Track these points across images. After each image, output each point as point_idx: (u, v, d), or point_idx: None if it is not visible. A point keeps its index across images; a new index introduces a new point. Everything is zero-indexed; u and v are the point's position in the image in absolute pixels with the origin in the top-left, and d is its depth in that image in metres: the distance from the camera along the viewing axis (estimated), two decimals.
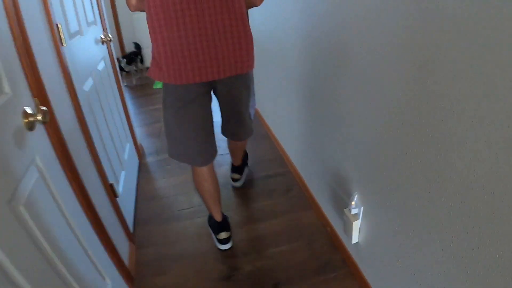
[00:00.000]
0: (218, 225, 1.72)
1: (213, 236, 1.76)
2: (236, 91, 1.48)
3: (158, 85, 1.42)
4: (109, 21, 2.93)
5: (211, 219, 1.79)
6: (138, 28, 4.27)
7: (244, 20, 1.33)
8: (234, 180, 2.19)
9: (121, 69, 3.93)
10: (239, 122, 1.62)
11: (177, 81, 1.31)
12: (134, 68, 4.20)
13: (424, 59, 0.83)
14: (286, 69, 2.01)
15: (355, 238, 1.39)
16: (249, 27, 1.36)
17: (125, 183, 1.91)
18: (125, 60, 4.01)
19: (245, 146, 2.00)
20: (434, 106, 0.82)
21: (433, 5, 0.76)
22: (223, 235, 1.70)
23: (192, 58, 1.28)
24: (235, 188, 2.18)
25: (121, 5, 4.24)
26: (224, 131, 1.71)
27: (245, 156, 2.24)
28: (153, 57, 1.35)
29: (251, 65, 1.42)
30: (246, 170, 2.26)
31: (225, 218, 1.76)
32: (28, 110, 0.84)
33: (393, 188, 1.07)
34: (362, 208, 1.31)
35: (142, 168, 2.44)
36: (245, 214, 1.95)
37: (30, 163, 0.85)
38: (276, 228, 1.80)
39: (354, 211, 1.34)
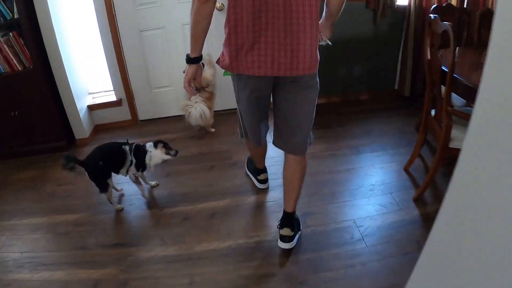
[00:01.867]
0: (260, 170, 2.25)
1: (253, 177, 2.31)
2: (294, 97, 1.54)
3: (229, 73, 1.61)
4: None
5: (251, 164, 2.31)
6: None
7: (317, 21, 1.40)
8: (283, 238, 1.76)
9: None
10: (293, 129, 1.63)
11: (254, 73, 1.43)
12: None
13: None
14: None
15: None
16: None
17: None
18: None
19: (303, 178, 1.75)
20: None
21: None
22: (263, 175, 2.24)
23: (272, 51, 1.38)
24: None
25: None
26: (275, 140, 1.73)
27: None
28: (227, 46, 1.43)
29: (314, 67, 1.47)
30: (298, 232, 1.86)
31: (265, 167, 2.25)
32: None
33: None
34: None
35: None
36: None
37: None
38: None
39: None
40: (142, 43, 2.90)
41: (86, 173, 2.04)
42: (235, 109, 1.79)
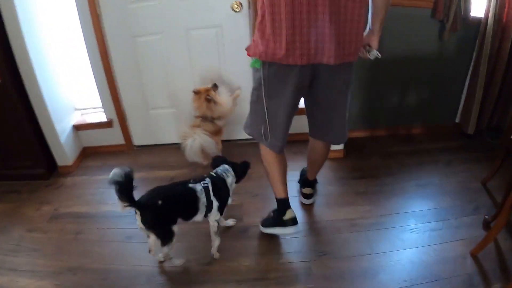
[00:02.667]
0: (284, 200, 1.69)
1: (276, 229, 1.72)
2: (339, 83, 1.47)
3: (257, 64, 1.36)
4: None
5: (275, 211, 1.74)
6: None
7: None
8: (305, 196, 1.99)
9: None
10: (336, 119, 1.58)
11: (289, 62, 1.32)
12: None
13: None
14: None
15: None
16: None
17: None
18: None
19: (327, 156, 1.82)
20: None
21: None
22: (289, 213, 1.67)
23: (309, 42, 1.29)
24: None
25: None
26: (314, 131, 1.69)
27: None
28: (261, 30, 1.33)
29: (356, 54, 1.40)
30: (317, 187, 2.05)
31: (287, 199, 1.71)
32: None
33: None
34: None
35: None
36: None
37: None
38: None
39: None
40: (136, 52, 2.24)
41: (139, 219, 1.46)
42: (248, 139, 1.64)
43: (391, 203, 2.02)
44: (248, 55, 1.43)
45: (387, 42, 2.07)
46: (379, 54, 1.46)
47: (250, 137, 1.66)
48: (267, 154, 1.64)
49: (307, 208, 2.00)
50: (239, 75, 2.30)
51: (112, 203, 2.09)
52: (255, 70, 1.45)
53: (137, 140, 2.60)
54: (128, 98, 2.42)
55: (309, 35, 1.27)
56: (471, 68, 2.41)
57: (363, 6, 1.30)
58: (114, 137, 2.54)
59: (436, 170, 2.29)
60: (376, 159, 2.39)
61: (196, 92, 2.15)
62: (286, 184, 1.71)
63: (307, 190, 1.98)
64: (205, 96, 2.12)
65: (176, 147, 2.53)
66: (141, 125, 2.53)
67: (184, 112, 2.42)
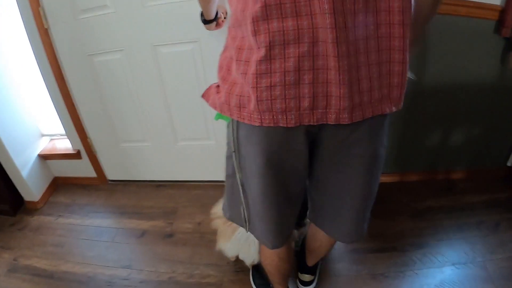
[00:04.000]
0: None
1: None
2: (359, 149, 0.82)
3: (224, 118, 0.88)
4: None
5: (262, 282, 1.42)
6: None
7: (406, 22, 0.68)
8: (304, 283, 1.45)
9: None
10: (345, 213, 0.95)
11: (264, 122, 0.74)
12: None
13: None
14: None
15: None
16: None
17: None
18: None
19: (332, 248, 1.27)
20: None
21: None
22: None
23: (297, 85, 0.69)
24: None
25: None
26: (315, 217, 1.06)
27: None
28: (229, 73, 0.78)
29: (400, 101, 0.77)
30: (319, 270, 1.50)
31: None
32: None
33: None
34: None
35: None
36: None
37: None
38: None
39: None
40: (94, 74, 1.72)
41: None
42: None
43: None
44: (208, 104, 0.89)
45: (429, 62, 1.59)
46: (414, 76, 0.89)
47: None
48: (264, 257, 1.19)
49: None
50: None
51: (72, 261, 1.68)
52: (227, 125, 0.88)
53: (111, 175, 2.11)
54: (94, 128, 1.92)
55: (301, 73, 0.69)
56: None
57: (407, 10, 0.68)
58: (85, 169, 2.07)
59: (479, 239, 1.70)
60: (403, 219, 1.81)
61: None
62: (287, 282, 1.32)
63: (306, 278, 1.45)
64: None
65: (154, 185, 2.08)
66: (113, 159, 2.03)
67: (160, 146, 1.92)
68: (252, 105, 0.72)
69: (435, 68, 1.65)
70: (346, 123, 0.72)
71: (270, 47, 0.67)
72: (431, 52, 1.62)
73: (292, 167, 0.85)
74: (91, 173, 2.09)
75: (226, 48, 0.83)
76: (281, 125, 0.73)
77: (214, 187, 2.00)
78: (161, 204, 1.94)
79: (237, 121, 0.80)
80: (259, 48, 0.68)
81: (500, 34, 1.54)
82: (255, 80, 0.70)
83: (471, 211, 1.86)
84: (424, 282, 1.51)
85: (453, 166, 2.03)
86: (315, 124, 0.73)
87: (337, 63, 0.66)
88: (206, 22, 1.27)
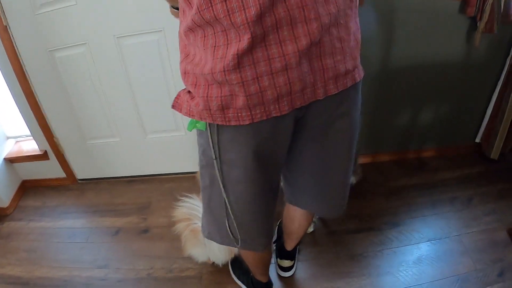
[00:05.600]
0: (266, 285, 1.29)
1: None
2: (341, 123, 0.79)
3: (199, 125, 0.75)
4: None
5: (244, 274, 1.36)
6: None
7: None
8: (283, 269, 1.40)
9: None
10: (329, 190, 0.92)
11: (256, 117, 0.66)
12: None
13: None
14: None
15: None
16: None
17: None
18: None
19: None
20: None
21: None
22: None
23: (285, 71, 0.63)
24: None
25: None
26: (297, 199, 1.01)
27: None
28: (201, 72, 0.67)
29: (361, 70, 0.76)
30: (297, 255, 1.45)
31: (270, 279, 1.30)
32: None
33: None
34: None
35: None
36: None
37: None
38: None
39: None
40: (56, 70, 1.59)
41: None
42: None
43: (397, 272, 1.44)
44: (181, 113, 0.78)
45: (396, 42, 1.58)
46: None
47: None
48: (246, 253, 1.11)
49: (286, 281, 1.45)
50: None
51: (47, 266, 1.57)
52: (199, 134, 0.80)
53: (80, 173, 1.98)
54: (60, 127, 1.79)
55: (287, 57, 0.63)
56: (502, 78, 1.76)
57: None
58: (53, 170, 1.94)
59: (453, 214, 1.70)
60: (378, 199, 1.79)
61: None
62: (268, 269, 1.26)
63: (285, 263, 1.40)
64: None
65: (126, 181, 1.97)
66: (81, 157, 1.91)
67: (129, 141, 1.82)
68: (241, 102, 0.65)
69: (402, 48, 1.63)
70: (334, 93, 0.70)
71: (252, 37, 0.60)
72: (398, 32, 1.58)
73: (276, 158, 0.80)
74: (59, 173, 1.96)
75: (187, 54, 0.74)
76: (273, 115, 0.68)
77: (187, 179, 1.92)
78: (134, 200, 1.83)
79: (217, 126, 0.72)
80: (240, 40, 0.61)
81: (465, 14, 1.53)
82: (239, 75, 0.63)
83: (444, 187, 1.86)
84: (402, 259, 1.49)
85: (423, 144, 2.03)
86: (305, 104, 0.69)
87: (315, 39, 0.63)
88: (174, 8, 1.18)
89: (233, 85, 0.64)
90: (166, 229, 1.65)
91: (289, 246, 1.35)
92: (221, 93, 0.66)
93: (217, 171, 0.78)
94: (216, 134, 0.74)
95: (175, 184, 1.91)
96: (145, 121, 1.75)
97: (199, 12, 0.62)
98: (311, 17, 0.61)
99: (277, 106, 0.67)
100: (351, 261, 1.48)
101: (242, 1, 0.58)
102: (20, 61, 1.57)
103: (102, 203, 1.85)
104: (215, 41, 0.64)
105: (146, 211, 1.76)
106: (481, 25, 1.51)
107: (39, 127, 1.76)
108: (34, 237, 1.72)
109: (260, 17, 0.59)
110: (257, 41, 0.61)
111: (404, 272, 1.43)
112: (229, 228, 0.87)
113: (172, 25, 1.42)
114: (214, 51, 0.65)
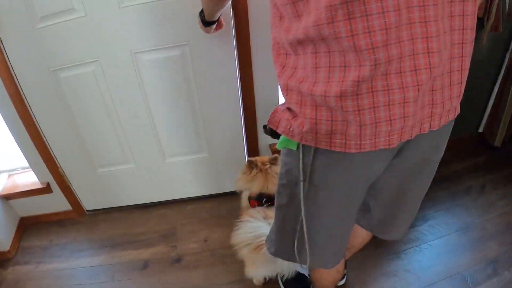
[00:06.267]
0: None
1: None
2: (432, 156, 0.79)
3: (291, 144, 0.69)
4: None
5: None
6: None
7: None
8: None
9: None
10: (407, 214, 0.91)
11: (364, 148, 0.62)
12: None
13: None
14: None
15: None
16: None
17: None
18: None
19: None
20: None
21: None
22: None
23: (402, 104, 0.58)
24: None
25: None
26: (364, 221, 0.97)
27: None
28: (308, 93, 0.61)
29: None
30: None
31: None
32: None
33: None
34: None
35: None
36: None
37: None
38: None
39: None
40: (62, 91, 1.39)
41: None
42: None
43: (438, 264, 1.47)
44: (277, 131, 0.71)
45: None
46: None
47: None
48: (318, 272, 1.07)
49: None
50: (224, 112, 1.55)
51: None
52: (287, 153, 0.75)
53: (89, 204, 1.78)
54: (66, 156, 1.59)
55: (406, 90, 0.58)
56: (502, 72, 1.84)
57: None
58: (57, 203, 1.73)
59: (472, 203, 1.77)
60: None
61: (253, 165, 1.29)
62: None
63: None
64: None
65: (142, 208, 1.81)
66: (90, 187, 1.71)
67: (145, 166, 1.65)
68: (352, 130, 0.60)
69: None
70: (435, 129, 0.67)
71: (375, 64, 0.54)
72: None
73: (367, 184, 0.78)
74: (65, 206, 1.75)
75: (283, 65, 0.66)
76: (381, 147, 0.63)
77: (208, 199, 1.79)
78: (156, 227, 1.68)
79: (315, 148, 0.67)
80: (360, 66, 0.55)
81: None
82: (356, 103, 0.58)
83: (457, 179, 1.91)
84: (439, 251, 1.54)
85: None
86: (412, 138, 0.65)
87: (434, 73, 0.60)
88: (207, 23, 1.09)
89: (348, 112, 0.59)
90: (200, 255, 1.52)
91: (345, 257, 1.31)
92: (331, 117, 0.61)
93: (301, 192, 0.74)
94: (311, 156, 0.69)
95: (197, 205, 1.78)
96: (164, 144, 1.59)
97: (317, 26, 0.54)
98: (433, 49, 0.57)
99: (387, 139, 0.62)
100: (396, 259, 1.49)
101: (368, 24, 0.52)
102: (17, 83, 1.36)
103: (119, 234, 1.67)
104: (329, 61, 0.57)
105: (173, 238, 1.62)
106: (488, 25, 1.56)
107: (40, 158, 1.56)
108: (49, 282, 1.51)
109: (386, 44, 0.54)
110: (379, 69, 0.55)
111: (444, 263, 1.47)
112: (297, 247, 0.85)
113: (199, 38, 1.30)
114: (328, 72, 0.58)
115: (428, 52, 0.56)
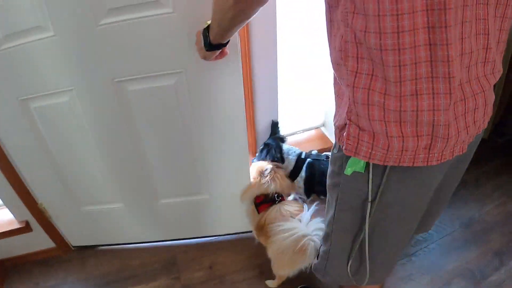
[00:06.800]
0: None
1: None
2: (467, 159, 0.84)
3: (359, 167, 0.67)
4: None
5: None
6: None
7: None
8: None
9: None
10: (444, 203, 0.96)
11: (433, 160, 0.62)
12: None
13: None
14: None
15: None
16: None
17: None
18: None
19: None
20: None
21: None
22: None
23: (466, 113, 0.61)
24: None
25: None
26: None
27: None
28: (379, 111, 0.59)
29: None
30: None
31: None
32: None
33: None
34: None
35: None
36: None
37: None
38: None
39: None
40: (35, 123, 1.17)
41: None
42: None
43: (448, 262, 1.49)
44: (350, 154, 0.67)
45: None
46: None
47: None
48: None
49: None
50: (227, 151, 1.29)
51: None
52: (352, 177, 0.71)
53: (75, 240, 1.57)
54: (45, 191, 1.37)
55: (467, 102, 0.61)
56: None
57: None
58: (40, 241, 1.53)
59: (469, 197, 1.79)
60: None
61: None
62: None
63: None
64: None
65: (138, 247, 1.61)
66: (75, 223, 1.50)
67: (137, 207, 1.43)
68: (423, 144, 0.61)
69: None
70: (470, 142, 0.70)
71: (452, 79, 0.56)
72: None
73: (431, 193, 0.78)
74: (48, 243, 1.56)
75: (355, 75, 0.61)
76: (445, 160, 0.64)
77: None
78: (153, 258, 1.50)
79: (388, 167, 0.66)
80: (444, 78, 0.56)
81: None
82: (432, 118, 0.58)
83: None
84: (447, 249, 1.55)
85: None
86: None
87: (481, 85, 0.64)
88: (212, 47, 0.84)
89: (424, 126, 0.61)
90: (207, 284, 1.41)
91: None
92: (400, 133, 0.61)
93: (367, 213, 0.73)
94: (383, 175, 0.68)
95: None
96: (158, 184, 1.36)
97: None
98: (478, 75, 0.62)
99: (451, 153, 0.64)
100: (408, 264, 1.49)
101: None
102: None
103: (113, 270, 1.48)
104: (416, 73, 0.58)
105: (174, 268, 1.46)
106: None
107: (15, 194, 1.35)
108: None
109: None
110: (445, 86, 0.57)
111: (453, 261, 1.49)
112: (351, 268, 0.86)
113: (197, 65, 1.03)
114: (409, 86, 0.59)
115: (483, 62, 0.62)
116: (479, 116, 0.65)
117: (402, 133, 0.60)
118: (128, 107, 1.14)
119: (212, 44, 0.83)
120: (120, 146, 1.24)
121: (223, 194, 1.40)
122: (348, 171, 0.69)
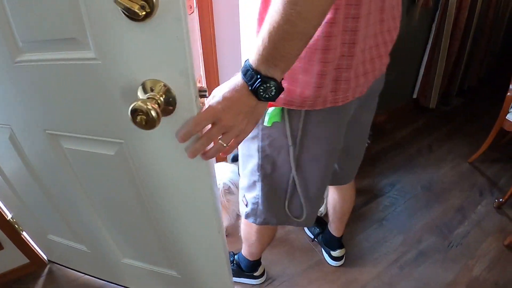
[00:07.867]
0: (258, 261, 1.35)
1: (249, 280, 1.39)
2: (374, 104, 0.98)
3: (277, 117, 0.73)
4: None
5: (251, 263, 1.34)
6: None
7: None
8: (337, 258, 1.44)
9: None
10: (358, 156, 1.08)
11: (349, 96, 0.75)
12: None
13: None
14: None
15: None
16: None
17: None
18: None
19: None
20: None
21: None
22: (261, 268, 1.38)
23: (372, 53, 0.75)
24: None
25: None
26: (345, 175, 1.12)
27: None
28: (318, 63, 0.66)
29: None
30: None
31: None
32: None
33: None
34: None
35: None
36: None
37: None
38: None
39: None
40: None
41: None
42: None
43: (416, 221, 1.63)
44: (274, 105, 0.75)
45: None
46: None
47: None
48: (265, 231, 1.14)
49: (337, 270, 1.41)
50: (194, 222, 0.92)
51: None
52: (271, 127, 0.79)
53: (50, 254, 1.53)
54: (13, 209, 1.30)
55: (366, 50, 0.73)
56: (431, 39, 1.99)
57: None
58: (13, 258, 1.46)
59: (426, 162, 1.94)
60: (367, 169, 1.88)
61: None
62: None
63: (340, 252, 1.42)
64: None
65: None
66: (46, 245, 1.45)
67: (101, 255, 1.26)
68: (352, 84, 0.72)
69: None
70: (377, 78, 0.82)
71: (356, 31, 0.67)
72: None
73: (344, 132, 0.88)
74: (21, 260, 1.48)
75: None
76: (358, 95, 0.77)
77: None
78: None
79: (305, 111, 0.76)
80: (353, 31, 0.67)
81: None
82: (351, 61, 0.70)
83: (407, 143, 2.06)
84: (413, 211, 1.66)
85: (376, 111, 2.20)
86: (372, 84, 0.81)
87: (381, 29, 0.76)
88: (279, 90, 0.56)
89: (350, 69, 0.72)
90: None
91: (340, 231, 1.37)
92: (336, 76, 0.71)
93: (291, 154, 0.82)
94: (302, 119, 0.77)
95: None
96: (119, 243, 1.16)
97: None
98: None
99: (362, 89, 0.77)
100: (380, 227, 1.63)
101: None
102: None
103: (92, 283, 1.45)
104: (350, 25, 0.69)
105: None
106: (419, 1, 1.66)
107: None
108: None
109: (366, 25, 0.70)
110: (359, 35, 0.68)
111: (420, 219, 1.66)
112: (289, 206, 0.94)
113: (136, 135, 0.76)
114: (348, 36, 0.71)
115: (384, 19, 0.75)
116: (376, 64, 0.76)
117: (320, 79, 0.69)
118: (66, 164, 0.94)
119: (279, 85, 0.56)
120: (66, 195, 1.06)
121: (197, 273, 1.12)
122: (269, 121, 0.77)
